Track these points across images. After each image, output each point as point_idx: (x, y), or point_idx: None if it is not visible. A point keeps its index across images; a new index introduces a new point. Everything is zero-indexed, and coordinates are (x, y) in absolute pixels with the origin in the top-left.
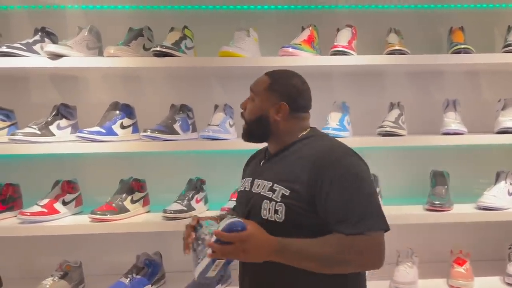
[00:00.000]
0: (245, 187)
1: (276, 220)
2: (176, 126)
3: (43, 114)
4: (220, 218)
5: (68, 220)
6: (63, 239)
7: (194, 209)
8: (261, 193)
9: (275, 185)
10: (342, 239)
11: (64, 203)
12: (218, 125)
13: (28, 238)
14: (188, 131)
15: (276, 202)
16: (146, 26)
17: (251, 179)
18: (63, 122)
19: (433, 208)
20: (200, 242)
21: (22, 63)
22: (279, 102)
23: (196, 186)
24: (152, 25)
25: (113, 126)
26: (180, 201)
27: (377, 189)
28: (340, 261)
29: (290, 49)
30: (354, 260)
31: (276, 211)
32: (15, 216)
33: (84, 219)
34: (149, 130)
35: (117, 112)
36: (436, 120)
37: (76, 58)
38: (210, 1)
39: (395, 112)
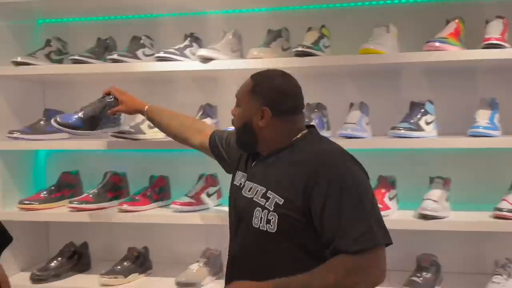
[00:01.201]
0: (240, 183)
1: (268, 230)
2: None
3: (189, 113)
4: None
5: (212, 211)
6: (205, 228)
7: None
8: (254, 199)
9: (269, 191)
10: (345, 262)
11: (208, 195)
12: (355, 123)
13: (175, 226)
14: (323, 129)
15: (269, 211)
16: (284, 27)
17: (246, 176)
18: (207, 121)
19: None
20: None
21: (177, 67)
22: (261, 107)
23: None
24: (286, 25)
25: None
26: None
27: None
28: (348, 285)
29: (437, 43)
30: (361, 281)
31: (268, 221)
32: (165, 206)
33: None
34: None
35: None
36: None
37: (224, 61)
38: None
39: None
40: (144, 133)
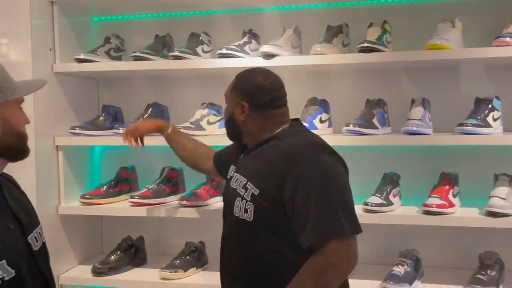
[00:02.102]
0: (230, 176)
1: (246, 219)
2: (375, 121)
3: None
4: None
5: None
6: None
7: (392, 204)
8: (237, 190)
9: (248, 183)
10: (315, 262)
11: None
12: (419, 119)
13: None
14: (385, 125)
15: (246, 201)
16: (344, 23)
17: (234, 169)
18: None
19: None
20: None
21: (239, 63)
22: (240, 101)
23: (392, 180)
24: (343, 21)
25: (314, 121)
26: (379, 195)
27: None
28: (322, 285)
29: (508, 39)
30: (332, 277)
31: (246, 210)
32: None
33: None
34: (351, 124)
35: (316, 107)
36: None
37: (287, 57)
38: None
39: None
40: (204, 129)
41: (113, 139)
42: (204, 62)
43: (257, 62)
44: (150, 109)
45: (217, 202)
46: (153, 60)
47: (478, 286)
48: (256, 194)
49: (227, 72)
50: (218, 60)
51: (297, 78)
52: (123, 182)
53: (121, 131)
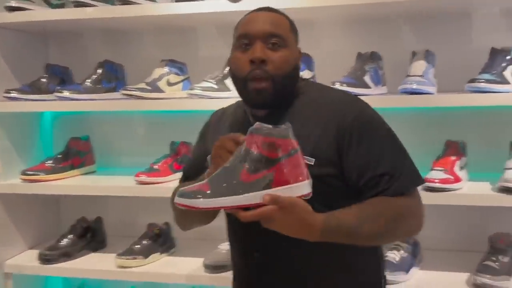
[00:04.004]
0: None
1: None
2: (367, 78)
3: (212, 68)
4: None
5: None
6: None
7: None
8: None
9: None
10: (394, 204)
11: None
12: (421, 75)
13: None
14: (379, 84)
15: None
16: None
17: None
18: None
19: None
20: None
21: (200, 8)
22: (299, 49)
23: None
24: None
25: None
26: None
27: None
28: (394, 230)
29: None
30: (410, 224)
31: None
32: None
33: None
34: (338, 83)
35: None
36: None
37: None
38: None
39: None
40: (163, 91)
41: (57, 104)
42: (156, 7)
43: (222, 5)
44: (101, 68)
45: None
46: (96, 6)
47: (487, 276)
48: (313, 164)
49: (189, 21)
50: (176, 4)
51: None
52: (74, 156)
53: (65, 94)
